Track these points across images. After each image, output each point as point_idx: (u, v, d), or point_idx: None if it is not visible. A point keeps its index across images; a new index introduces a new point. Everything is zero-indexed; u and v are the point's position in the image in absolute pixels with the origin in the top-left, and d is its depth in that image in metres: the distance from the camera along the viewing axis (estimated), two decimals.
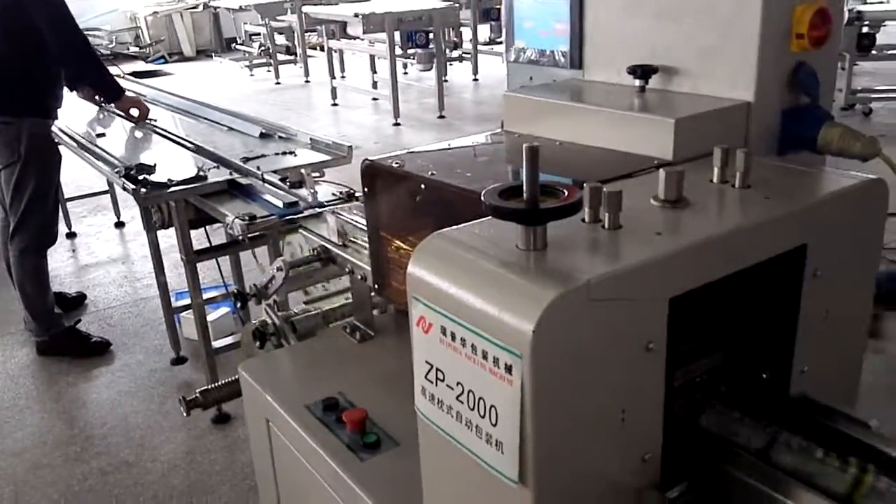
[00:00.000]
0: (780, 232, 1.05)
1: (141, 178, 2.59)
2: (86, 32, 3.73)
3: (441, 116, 7.97)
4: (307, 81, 10.32)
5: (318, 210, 2.14)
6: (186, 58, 13.18)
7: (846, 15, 6.65)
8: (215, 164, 2.80)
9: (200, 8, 13.32)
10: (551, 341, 0.82)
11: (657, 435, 0.99)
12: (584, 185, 0.98)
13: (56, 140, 3.44)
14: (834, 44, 1.40)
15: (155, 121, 3.61)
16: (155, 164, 2.71)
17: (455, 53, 10.07)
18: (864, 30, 7.21)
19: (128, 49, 12.57)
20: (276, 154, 2.89)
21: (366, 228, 1.71)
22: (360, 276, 1.75)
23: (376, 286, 1.60)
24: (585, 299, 0.85)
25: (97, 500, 2.69)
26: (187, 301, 3.31)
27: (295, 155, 2.87)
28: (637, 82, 1.47)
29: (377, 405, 1.49)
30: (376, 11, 7.68)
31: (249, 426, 1.78)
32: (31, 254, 3.49)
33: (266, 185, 2.50)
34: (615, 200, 0.97)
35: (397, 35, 7.59)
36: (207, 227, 2.93)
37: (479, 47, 10.08)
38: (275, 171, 2.55)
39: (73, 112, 3.78)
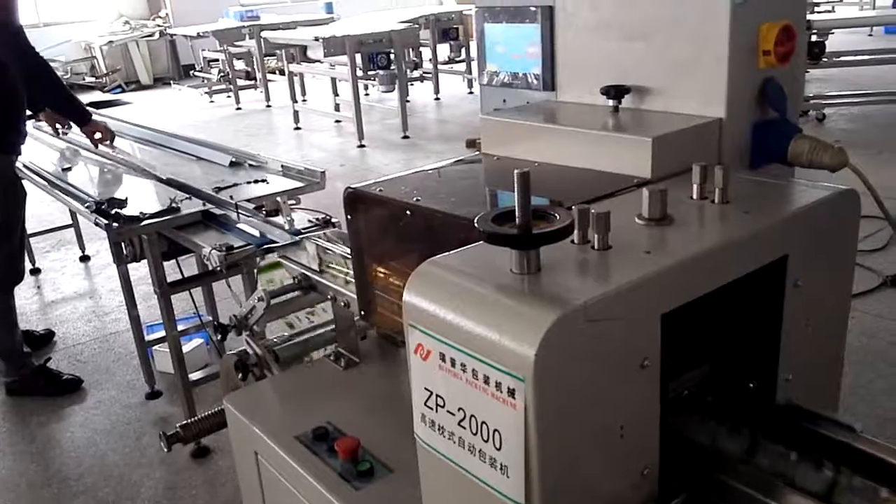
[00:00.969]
0: (762, 245, 1.09)
1: (113, 212, 2.56)
2: None
3: (405, 136, 8.00)
4: (268, 106, 10.29)
5: (296, 238, 2.13)
6: (144, 86, 13.06)
7: None
8: (187, 196, 2.78)
9: (157, 36, 13.24)
10: (552, 363, 0.84)
11: (655, 449, 1.01)
12: (573, 207, 1.00)
13: (21, 176, 3.38)
14: (799, 59, 1.45)
15: (117, 148, 3.57)
16: (126, 198, 2.69)
17: (416, 74, 10.13)
18: (813, 38, 7.42)
19: (83, 79, 12.42)
20: (248, 182, 2.88)
21: (346, 255, 1.71)
22: (342, 303, 1.75)
23: (362, 312, 1.60)
24: (583, 320, 0.86)
25: None
26: (159, 334, 3.27)
27: (267, 182, 2.87)
28: (611, 102, 1.50)
29: (367, 432, 1.48)
30: (336, 34, 7.70)
31: (237, 460, 1.77)
32: None
33: (241, 214, 2.49)
34: (604, 221, 0.99)
35: (358, 57, 7.61)
36: (179, 258, 2.90)
37: (440, 67, 10.15)
38: (249, 200, 2.54)
39: (37, 146, 3.73)
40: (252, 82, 10.79)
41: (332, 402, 1.64)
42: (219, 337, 2.14)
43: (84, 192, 2.95)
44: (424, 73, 10.27)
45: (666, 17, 1.42)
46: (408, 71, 9.04)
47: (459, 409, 0.94)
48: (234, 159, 3.21)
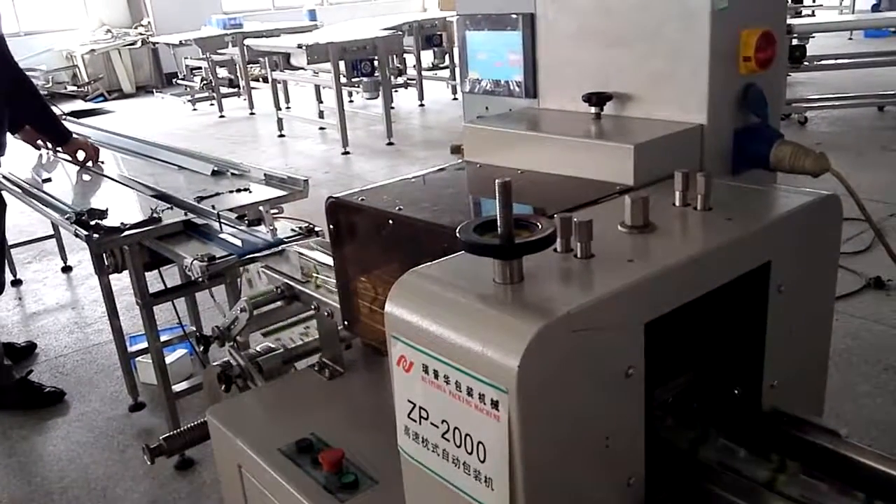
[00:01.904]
0: (746, 251, 1.09)
1: (93, 223, 2.53)
2: None
3: (390, 143, 7.99)
4: (252, 114, 10.26)
5: (279, 248, 2.12)
6: (126, 95, 12.99)
7: None
8: (168, 206, 2.75)
9: (139, 44, 13.16)
10: (536, 374, 0.83)
11: (640, 458, 1.01)
12: (555, 215, 1.00)
13: (0, 187, 3.35)
14: (780, 64, 1.45)
15: (104, 163, 3.53)
16: (107, 209, 2.66)
17: (400, 80, 10.13)
18: (794, 42, 7.49)
19: (65, 88, 12.32)
20: (231, 192, 2.85)
21: (330, 264, 1.70)
22: (326, 313, 1.74)
23: (346, 322, 1.59)
24: (566, 330, 0.86)
25: None
26: (142, 345, 3.23)
27: (250, 191, 2.84)
28: (593, 109, 1.50)
29: (351, 443, 1.47)
30: (320, 42, 7.69)
31: (220, 473, 1.74)
32: None
33: (223, 224, 2.47)
34: (586, 230, 0.99)
35: (342, 64, 7.60)
36: (161, 268, 2.88)
37: (424, 73, 10.16)
38: (231, 210, 2.52)
39: (16, 157, 3.68)
40: (235, 90, 10.75)
41: (317, 414, 1.63)
42: (201, 348, 2.11)
43: (64, 203, 2.92)
44: (408, 79, 10.27)
45: (646, 25, 1.42)
46: (392, 77, 9.04)
47: (443, 421, 0.93)
48: (216, 168, 3.19)
